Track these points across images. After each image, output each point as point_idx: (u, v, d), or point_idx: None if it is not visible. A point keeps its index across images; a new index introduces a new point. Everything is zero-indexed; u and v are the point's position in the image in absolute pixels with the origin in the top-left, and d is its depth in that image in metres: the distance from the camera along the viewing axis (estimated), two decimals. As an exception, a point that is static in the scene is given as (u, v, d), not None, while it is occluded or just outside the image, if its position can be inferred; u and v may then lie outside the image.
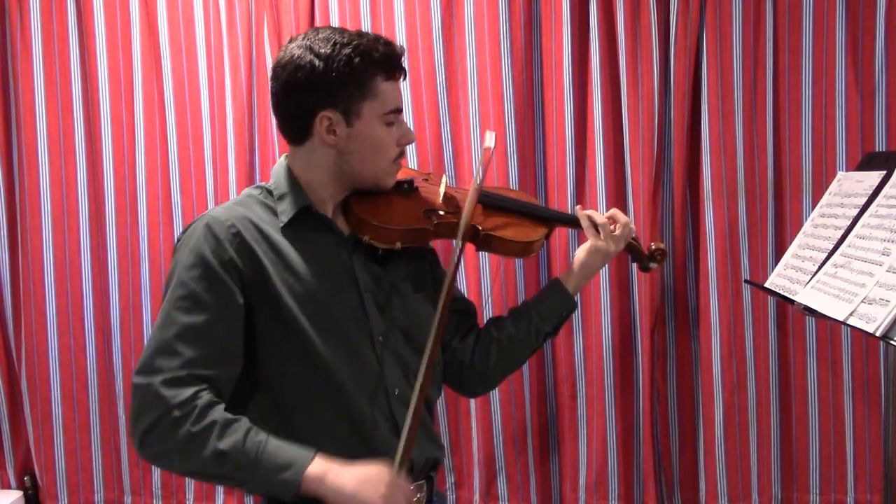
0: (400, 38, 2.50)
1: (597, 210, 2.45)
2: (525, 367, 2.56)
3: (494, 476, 2.60)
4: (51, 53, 2.60)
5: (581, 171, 2.52)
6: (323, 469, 1.24)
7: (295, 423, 1.34)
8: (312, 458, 1.24)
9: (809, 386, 2.50)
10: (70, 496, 2.70)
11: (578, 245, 1.68)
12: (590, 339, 2.54)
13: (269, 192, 1.41)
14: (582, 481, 2.57)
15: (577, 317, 2.54)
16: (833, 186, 2.06)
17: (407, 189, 1.50)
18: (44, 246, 2.64)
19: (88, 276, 2.66)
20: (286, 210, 1.37)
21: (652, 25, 2.42)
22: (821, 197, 2.09)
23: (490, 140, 1.60)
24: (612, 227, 1.60)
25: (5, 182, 2.65)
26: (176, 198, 2.61)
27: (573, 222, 1.63)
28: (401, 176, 1.49)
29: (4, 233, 2.67)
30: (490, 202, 1.58)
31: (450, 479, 2.65)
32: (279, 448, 1.25)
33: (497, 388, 2.53)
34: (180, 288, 1.30)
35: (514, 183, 2.50)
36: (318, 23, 2.51)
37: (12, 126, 2.65)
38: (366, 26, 2.51)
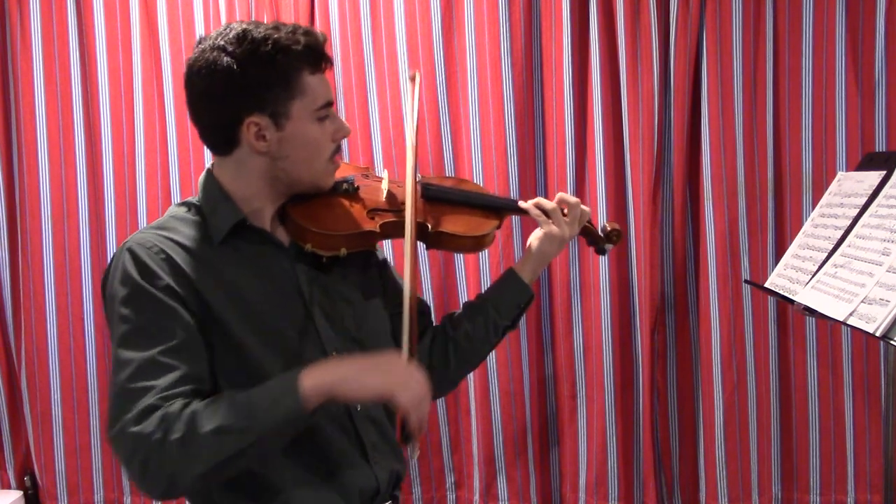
0: (400, 38, 2.50)
1: (597, 210, 2.49)
2: (525, 368, 2.56)
3: (494, 476, 2.60)
4: (51, 53, 2.60)
5: (581, 171, 2.52)
6: (319, 371, 1.14)
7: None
8: (299, 371, 1.13)
9: (809, 386, 2.50)
10: (70, 496, 2.70)
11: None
12: (590, 338, 2.54)
13: (198, 208, 1.30)
14: (582, 481, 2.57)
15: (577, 317, 2.54)
16: (833, 186, 2.06)
17: (347, 189, 1.39)
18: (44, 246, 2.64)
19: (88, 276, 2.66)
20: (218, 227, 1.26)
21: (652, 25, 2.42)
22: (821, 197, 2.09)
23: (416, 79, 1.48)
24: (563, 210, 1.50)
25: (5, 182, 2.65)
26: (176, 198, 2.61)
27: (523, 212, 1.53)
28: (338, 174, 1.38)
29: (4, 233, 2.67)
30: (435, 195, 1.47)
31: (450, 479, 2.65)
32: (264, 387, 1.15)
33: (497, 388, 2.54)
34: (122, 325, 1.18)
35: (514, 182, 2.50)
36: (318, 23, 2.51)
37: (12, 126, 2.65)
38: (366, 26, 2.51)
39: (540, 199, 1.52)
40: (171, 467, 1.11)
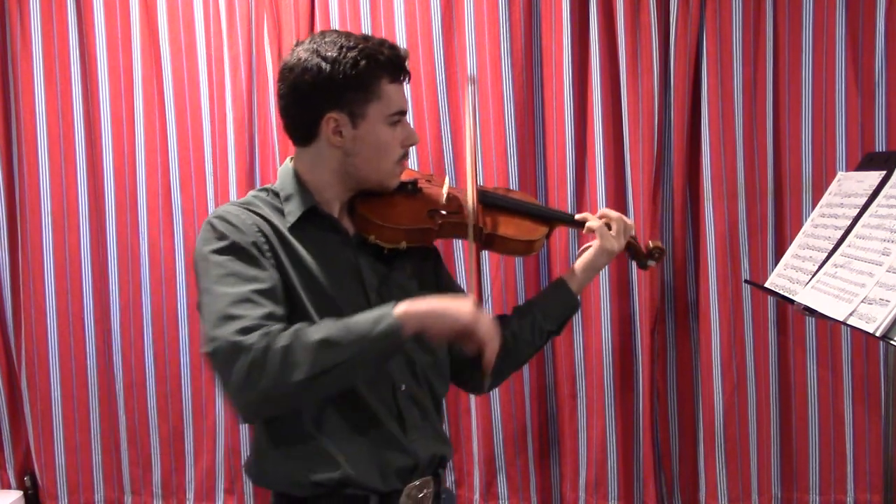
0: (400, 38, 2.50)
1: (597, 210, 2.48)
2: (525, 367, 2.56)
3: (494, 475, 2.60)
4: (51, 53, 2.60)
5: (581, 171, 2.52)
6: (409, 304, 1.26)
7: (306, 411, 1.35)
8: (395, 304, 1.26)
9: (809, 386, 2.50)
10: (70, 496, 2.70)
11: (579, 245, 1.69)
12: (590, 338, 2.54)
13: (276, 193, 1.43)
14: (582, 481, 2.57)
15: (577, 317, 2.54)
16: (833, 186, 2.06)
17: (411, 189, 1.52)
18: (44, 246, 2.64)
19: (88, 276, 2.66)
20: (293, 210, 1.39)
21: (652, 25, 2.42)
22: (821, 197, 2.09)
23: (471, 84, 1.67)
24: (609, 224, 1.64)
25: (5, 182, 2.65)
26: (176, 197, 2.61)
27: (574, 223, 1.67)
28: (404, 177, 1.51)
29: (4, 233, 2.67)
30: (491, 202, 1.60)
31: (450, 478, 2.65)
32: (361, 315, 1.26)
33: (497, 388, 2.54)
34: (219, 268, 1.30)
35: (514, 183, 2.50)
36: (317, 23, 2.51)
37: (12, 126, 2.65)
38: (366, 26, 2.51)
39: (588, 215, 1.67)
40: (275, 373, 1.20)
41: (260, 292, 1.27)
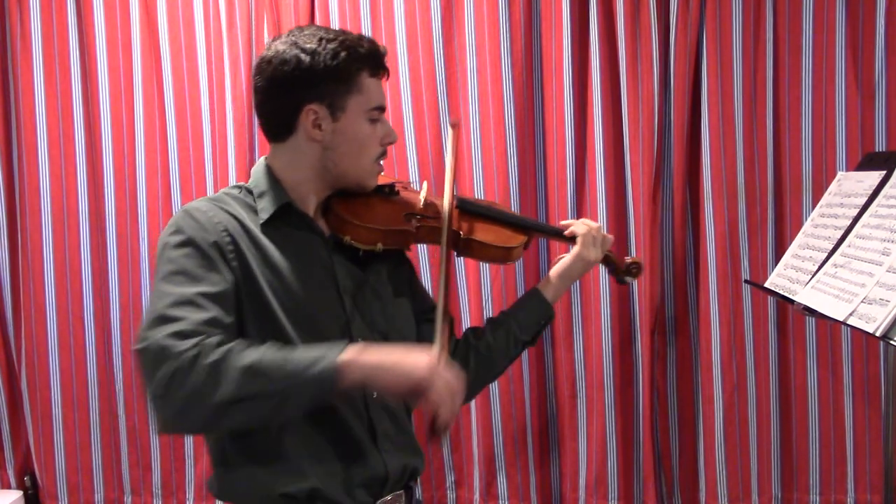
0: (400, 38, 2.50)
1: (597, 210, 2.48)
2: (525, 367, 2.56)
3: (494, 476, 2.60)
4: (51, 53, 2.60)
5: (581, 171, 2.52)
6: (356, 350, 1.19)
7: (272, 428, 1.30)
8: (344, 346, 1.19)
9: (809, 386, 2.50)
10: (70, 496, 2.70)
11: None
12: (590, 339, 2.54)
13: (249, 191, 1.39)
14: (582, 481, 2.57)
15: (577, 317, 2.54)
16: (833, 186, 2.06)
17: (388, 192, 1.49)
18: (44, 246, 2.64)
19: (88, 276, 2.66)
20: (266, 207, 1.35)
21: (652, 25, 2.42)
22: (821, 197, 2.09)
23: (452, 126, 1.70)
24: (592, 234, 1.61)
25: (5, 182, 2.65)
26: (176, 198, 2.61)
27: (552, 233, 1.66)
28: (381, 182, 1.49)
29: (4, 233, 2.67)
30: (469, 209, 1.59)
31: (450, 479, 2.65)
32: (306, 349, 1.21)
33: (497, 388, 2.54)
34: (170, 265, 1.25)
35: (514, 182, 2.50)
36: (318, 23, 2.51)
37: (12, 126, 2.65)
38: (366, 26, 2.51)
39: (571, 221, 1.64)
40: (195, 387, 1.14)
41: (206, 295, 1.22)
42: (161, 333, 1.17)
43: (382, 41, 2.50)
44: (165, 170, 2.61)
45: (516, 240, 1.59)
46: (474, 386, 1.56)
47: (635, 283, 2.48)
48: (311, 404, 1.22)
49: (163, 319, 1.19)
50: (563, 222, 1.65)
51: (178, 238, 1.27)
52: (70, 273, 2.65)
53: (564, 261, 1.61)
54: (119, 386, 2.66)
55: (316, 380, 1.17)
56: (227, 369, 1.15)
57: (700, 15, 2.41)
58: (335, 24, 2.51)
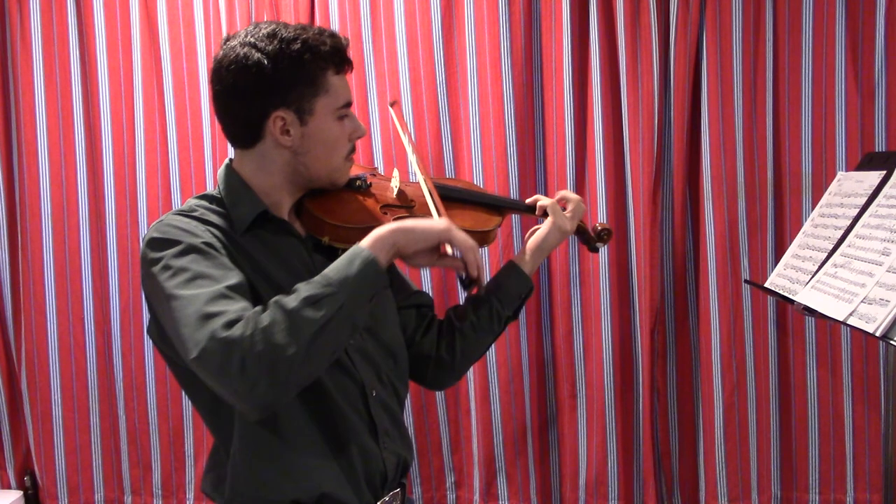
0: (400, 38, 2.50)
1: (597, 210, 2.49)
2: (525, 368, 2.56)
3: (494, 476, 2.60)
4: (51, 53, 2.60)
5: (581, 171, 2.52)
6: (377, 232, 1.21)
7: (282, 426, 1.28)
8: (362, 240, 1.21)
9: (809, 386, 2.50)
10: (70, 496, 2.71)
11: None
12: (590, 339, 2.54)
13: (219, 200, 1.33)
14: (582, 481, 2.58)
15: (577, 317, 2.54)
16: (833, 186, 2.06)
17: (360, 186, 1.45)
18: (44, 246, 2.64)
19: (88, 276, 2.66)
20: (242, 217, 1.30)
21: (652, 25, 2.42)
22: (821, 197, 2.09)
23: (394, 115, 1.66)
24: (564, 206, 1.59)
25: (5, 182, 2.65)
26: (176, 198, 2.61)
27: (526, 209, 1.61)
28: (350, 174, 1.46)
29: (4, 233, 2.67)
30: (443, 194, 1.53)
31: (450, 479, 2.65)
32: (330, 267, 1.19)
33: (497, 389, 2.55)
34: (182, 274, 1.18)
35: (514, 182, 2.50)
36: (318, 23, 2.51)
37: (12, 126, 2.65)
38: (366, 26, 2.51)
39: (539, 196, 1.60)
40: (268, 357, 1.09)
41: (232, 287, 1.17)
42: (210, 329, 1.10)
43: (382, 41, 2.52)
44: (165, 170, 2.61)
45: (492, 222, 1.55)
46: (462, 365, 1.55)
47: (635, 283, 2.49)
48: (370, 302, 1.20)
49: (206, 318, 1.12)
50: (532, 198, 1.61)
51: (176, 249, 1.21)
52: (70, 273, 2.65)
53: (539, 233, 1.57)
54: (119, 386, 2.67)
55: (363, 272, 1.17)
56: (286, 318, 1.11)
57: (700, 15, 2.41)
58: (335, 25, 2.51)
